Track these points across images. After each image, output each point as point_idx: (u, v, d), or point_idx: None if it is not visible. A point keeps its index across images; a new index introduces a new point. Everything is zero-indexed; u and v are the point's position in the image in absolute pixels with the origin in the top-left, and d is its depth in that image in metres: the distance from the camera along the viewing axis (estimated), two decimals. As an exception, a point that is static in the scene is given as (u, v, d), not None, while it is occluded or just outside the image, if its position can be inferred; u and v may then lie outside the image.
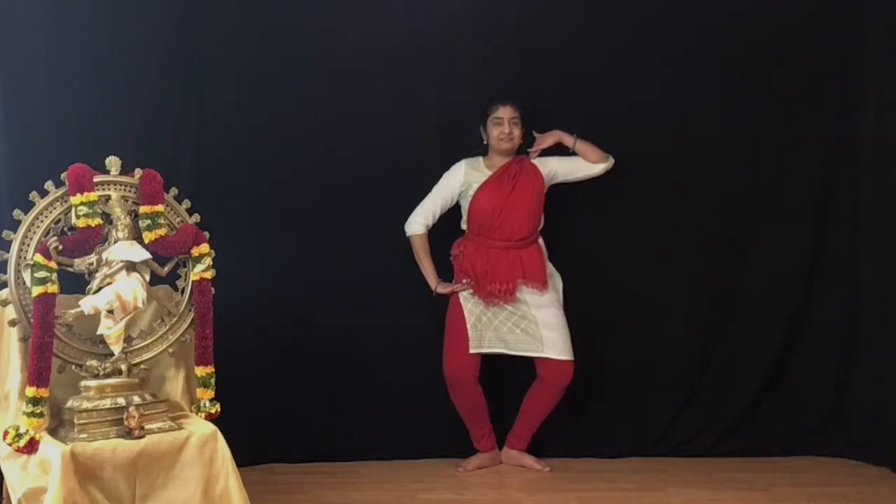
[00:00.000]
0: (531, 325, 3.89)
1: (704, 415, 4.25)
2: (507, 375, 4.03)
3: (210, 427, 2.91)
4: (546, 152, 4.00)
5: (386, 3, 4.04)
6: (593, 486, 3.82)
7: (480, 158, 4.01)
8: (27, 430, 2.71)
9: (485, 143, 3.99)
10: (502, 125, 3.91)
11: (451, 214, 4.00)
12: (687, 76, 4.15)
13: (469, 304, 3.93)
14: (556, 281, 4.01)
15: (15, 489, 2.73)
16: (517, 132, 3.94)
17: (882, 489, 3.81)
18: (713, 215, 4.22)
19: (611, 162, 3.95)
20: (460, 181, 3.96)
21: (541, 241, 3.99)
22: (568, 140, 3.96)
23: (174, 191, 3.10)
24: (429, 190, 3.97)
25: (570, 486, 3.80)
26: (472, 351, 3.89)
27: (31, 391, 2.73)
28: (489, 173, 3.96)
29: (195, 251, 3.03)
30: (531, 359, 3.93)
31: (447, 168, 3.99)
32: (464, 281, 3.93)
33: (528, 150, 4.00)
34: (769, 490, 3.78)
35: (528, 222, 3.93)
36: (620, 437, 4.21)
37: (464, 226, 4.02)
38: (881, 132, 4.09)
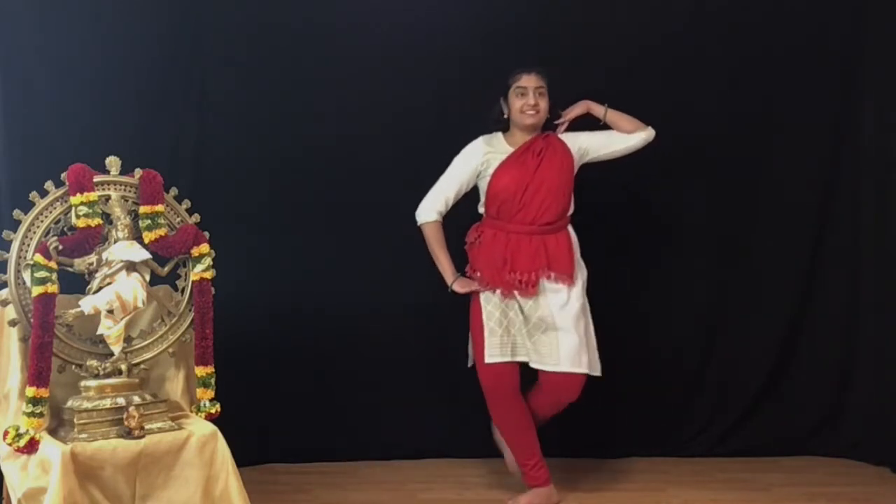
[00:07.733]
0: (548, 331, 3.43)
1: (704, 415, 4.26)
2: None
3: (210, 427, 2.91)
4: (575, 129, 3.63)
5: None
6: (593, 486, 3.83)
7: (500, 134, 3.59)
8: (27, 430, 2.72)
9: (505, 116, 3.57)
10: (527, 95, 3.48)
11: (466, 200, 3.62)
12: (686, 75, 4.15)
13: (489, 304, 3.47)
14: (582, 278, 3.54)
15: (15, 489, 2.73)
16: (543, 104, 3.50)
17: (882, 489, 3.81)
18: (713, 215, 4.22)
19: (650, 132, 3.57)
20: (478, 160, 3.52)
21: (570, 228, 3.56)
22: (598, 110, 3.58)
23: (174, 191, 3.10)
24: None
25: (571, 486, 3.80)
26: (487, 360, 3.43)
27: (31, 391, 2.73)
28: (510, 150, 3.51)
29: (195, 251, 3.04)
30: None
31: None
32: (476, 275, 3.50)
33: (556, 122, 3.60)
34: (769, 490, 3.78)
35: (556, 204, 3.47)
36: (620, 437, 4.21)
37: (481, 209, 3.59)
38: (881, 132, 4.09)
